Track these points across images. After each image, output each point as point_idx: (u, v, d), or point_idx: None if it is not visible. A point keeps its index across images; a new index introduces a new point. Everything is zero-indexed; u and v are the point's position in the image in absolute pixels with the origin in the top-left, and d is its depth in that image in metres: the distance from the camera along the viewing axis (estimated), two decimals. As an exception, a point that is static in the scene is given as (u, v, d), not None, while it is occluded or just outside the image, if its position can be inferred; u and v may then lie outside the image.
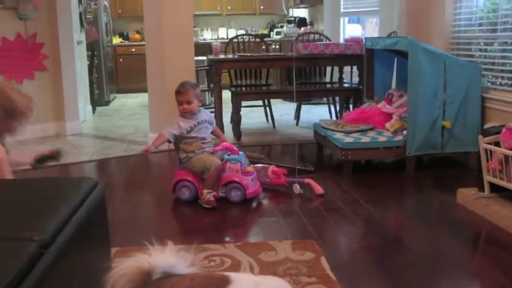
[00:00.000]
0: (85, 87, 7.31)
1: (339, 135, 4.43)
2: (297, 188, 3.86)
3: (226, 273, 1.58)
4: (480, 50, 4.84)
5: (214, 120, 3.96)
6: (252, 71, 6.42)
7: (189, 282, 1.48)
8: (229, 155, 3.76)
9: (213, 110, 5.84)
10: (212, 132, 3.89)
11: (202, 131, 3.75)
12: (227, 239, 3.06)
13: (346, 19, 8.86)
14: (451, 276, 2.55)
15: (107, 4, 9.18)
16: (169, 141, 3.78)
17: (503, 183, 3.25)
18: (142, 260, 1.47)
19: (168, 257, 1.51)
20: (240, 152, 3.79)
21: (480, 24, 4.77)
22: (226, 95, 6.07)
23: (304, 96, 6.60)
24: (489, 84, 4.58)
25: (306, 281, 2.46)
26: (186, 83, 3.74)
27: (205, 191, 3.59)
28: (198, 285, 1.49)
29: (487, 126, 3.76)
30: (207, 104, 7.23)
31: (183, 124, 3.68)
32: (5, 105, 2.61)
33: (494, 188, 3.37)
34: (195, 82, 4.08)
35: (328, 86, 6.60)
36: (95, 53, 8.28)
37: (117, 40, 10.67)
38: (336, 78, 6.67)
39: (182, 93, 3.67)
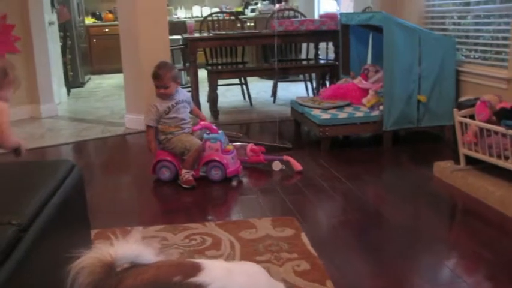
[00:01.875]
0: (58, 69, 7.20)
1: (316, 112, 4.44)
2: (277, 165, 3.87)
3: (197, 260, 1.56)
4: (454, 23, 4.86)
5: (192, 100, 3.94)
6: (228, 49, 6.38)
7: (155, 271, 1.45)
8: (208, 134, 3.75)
9: (189, 89, 5.81)
10: (190, 112, 3.86)
11: (181, 111, 3.72)
12: (208, 217, 3.07)
13: (321, -5, 8.82)
14: (429, 248, 2.59)
15: (78, -16, 9.02)
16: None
17: (478, 156, 3.30)
18: (103, 251, 1.44)
19: (131, 247, 1.48)
20: (220, 131, 3.78)
21: (454, -2, 4.79)
22: (202, 74, 6.04)
23: (281, 73, 6.59)
24: (463, 57, 4.61)
25: (287, 257, 2.48)
26: (162, 66, 3.67)
27: (183, 171, 3.59)
28: (164, 273, 1.46)
29: (461, 99, 3.79)
30: (184, 83, 7.18)
31: (161, 106, 3.66)
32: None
33: (470, 160, 3.42)
34: (172, 64, 4.02)
35: (304, 62, 6.60)
36: (68, 33, 8.13)
37: (89, 20, 10.51)
38: (311, 55, 6.67)
39: (158, 78, 3.63)
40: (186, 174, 3.57)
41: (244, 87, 6.65)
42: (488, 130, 3.18)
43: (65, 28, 7.96)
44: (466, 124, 3.37)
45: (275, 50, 5.50)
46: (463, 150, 3.43)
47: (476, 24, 4.49)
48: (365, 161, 4.09)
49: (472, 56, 4.57)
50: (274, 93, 6.72)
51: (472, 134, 3.30)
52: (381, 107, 4.35)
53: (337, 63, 5.74)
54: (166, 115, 3.67)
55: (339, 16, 5.42)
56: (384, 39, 4.23)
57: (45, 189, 1.77)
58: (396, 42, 4.21)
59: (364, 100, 4.56)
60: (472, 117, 3.36)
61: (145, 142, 4.70)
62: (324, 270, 2.34)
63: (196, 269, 1.48)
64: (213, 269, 1.50)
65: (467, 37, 4.59)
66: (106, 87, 8.68)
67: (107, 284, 1.42)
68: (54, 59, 6.77)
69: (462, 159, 3.45)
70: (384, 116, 4.29)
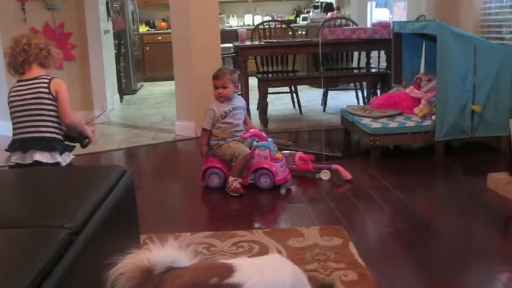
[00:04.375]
0: (112, 76, 7.37)
1: (366, 121, 4.40)
2: (326, 174, 3.85)
3: (228, 261, 1.59)
4: (511, 32, 4.74)
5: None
6: (279, 58, 6.39)
7: (191, 274, 1.48)
8: (257, 141, 3.76)
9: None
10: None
11: (237, 117, 3.75)
12: (255, 225, 3.07)
13: (374, 3, 8.74)
14: (482, 262, 2.52)
15: (133, -7, 9.22)
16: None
17: (536, 168, 3.20)
18: (141, 257, 1.46)
19: (167, 252, 1.50)
20: (269, 139, 3.78)
21: (511, 6, 4.66)
22: (253, 81, 6.06)
23: (331, 82, 6.55)
24: (520, 67, 4.47)
25: (334, 266, 2.45)
26: (223, 68, 3.90)
27: (231, 178, 3.60)
28: (200, 276, 1.48)
29: (518, 109, 3.69)
30: (234, 91, 7.23)
31: (218, 109, 3.69)
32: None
33: (526, 172, 3.32)
34: (234, 68, 4.10)
35: (356, 71, 6.54)
36: (122, 41, 8.33)
37: (143, 28, 10.72)
38: (363, 64, 6.61)
39: (218, 77, 3.71)
40: (234, 182, 3.58)
41: (294, 95, 6.64)
42: (546, 142, 3.07)
43: (119, 36, 8.15)
44: (522, 135, 3.27)
45: (320, 58, 5.47)
46: (519, 162, 3.33)
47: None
48: (416, 172, 4.02)
49: (529, 66, 4.43)
50: (324, 101, 6.68)
51: (529, 145, 3.21)
52: (433, 117, 4.26)
53: (389, 72, 5.68)
54: (222, 119, 3.70)
55: (391, 25, 5.36)
56: (438, 48, 4.15)
57: (97, 193, 1.81)
58: (450, 51, 4.12)
59: (416, 109, 4.48)
60: (528, 128, 3.26)
61: (194, 149, 4.77)
62: (372, 281, 2.31)
63: (230, 269, 1.52)
64: (244, 268, 1.55)
65: (525, 46, 4.46)
66: (158, 94, 8.83)
67: None
68: (109, 66, 6.94)
69: (518, 171, 3.35)
70: (436, 125, 4.20)
